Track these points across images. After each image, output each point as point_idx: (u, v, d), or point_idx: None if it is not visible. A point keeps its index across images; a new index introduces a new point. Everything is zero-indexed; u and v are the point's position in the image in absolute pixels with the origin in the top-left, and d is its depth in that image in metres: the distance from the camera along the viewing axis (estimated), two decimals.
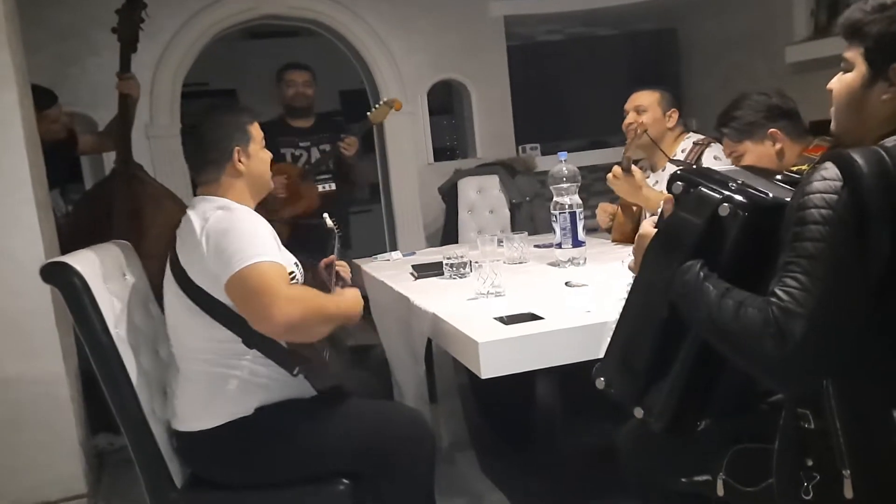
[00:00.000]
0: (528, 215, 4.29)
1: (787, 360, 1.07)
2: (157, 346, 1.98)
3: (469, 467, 2.80)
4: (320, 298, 1.76)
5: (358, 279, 3.18)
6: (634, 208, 2.84)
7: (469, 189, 4.44)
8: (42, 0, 3.81)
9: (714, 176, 1.30)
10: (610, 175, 2.70)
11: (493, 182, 4.42)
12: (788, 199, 1.20)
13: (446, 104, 5.18)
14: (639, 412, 1.34)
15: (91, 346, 1.79)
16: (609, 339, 1.42)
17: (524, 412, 2.26)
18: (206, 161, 1.87)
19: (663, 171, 2.81)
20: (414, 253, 3.21)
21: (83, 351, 1.88)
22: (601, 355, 1.48)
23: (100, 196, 3.17)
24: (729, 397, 1.38)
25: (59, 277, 1.78)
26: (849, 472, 1.12)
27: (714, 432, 1.40)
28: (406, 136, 4.62)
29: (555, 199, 2.44)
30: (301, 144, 3.64)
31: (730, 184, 1.26)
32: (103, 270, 1.86)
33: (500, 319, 1.84)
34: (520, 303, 1.98)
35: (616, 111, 2.94)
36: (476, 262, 2.26)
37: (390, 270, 2.77)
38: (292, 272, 1.83)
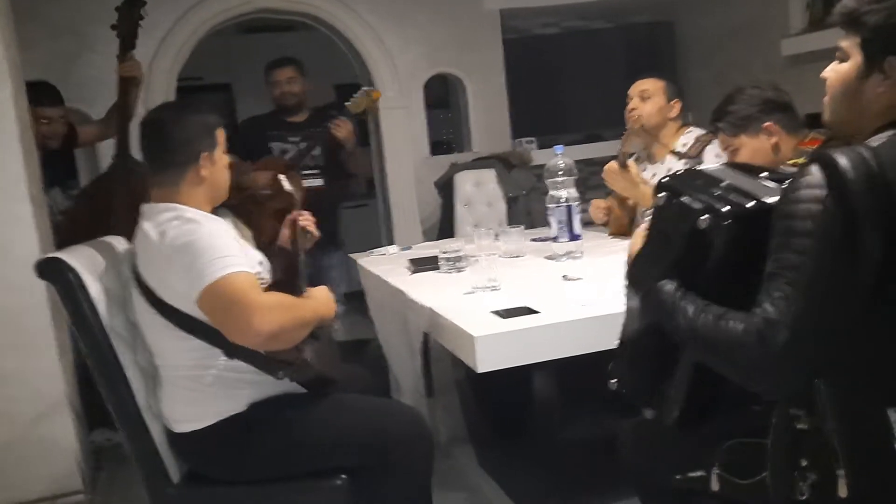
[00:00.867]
0: (525, 209, 4.28)
1: (769, 364, 1.07)
2: None
3: (466, 461, 2.80)
4: (296, 303, 1.72)
5: (354, 274, 3.18)
6: (630, 202, 2.83)
7: (465, 183, 4.43)
8: None
9: (697, 182, 1.29)
10: (606, 169, 2.70)
11: (489, 176, 4.42)
12: (772, 201, 1.20)
13: (442, 98, 5.17)
14: (649, 413, 1.35)
15: (86, 342, 1.79)
16: (618, 341, 1.43)
17: (521, 406, 2.27)
18: (170, 162, 1.79)
19: (661, 162, 2.80)
20: (410, 247, 3.21)
21: (79, 346, 1.88)
22: (598, 349, 1.48)
23: (98, 191, 3.16)
24: (734, 391, 1.38)
25: (54, 273, 1.78)
26: (843, 471, 1.12)
27: (708, 429, 1.39)
28: (402, 131, 4.61)
29: (551, 192, 2.44)
30: (291, 139, 3.58)
31: (714, 190, 1.25)
32: (98, 266, 1.86)
33: (497, 313, 1.84)
34: (516, 297, 1.98)
35: (612, 105, 2.94)
36: (473, 256, 2.26)
37: (387, 265, 2.76)
38: (258, 272, 1.80)
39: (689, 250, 1.24)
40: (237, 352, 1.69)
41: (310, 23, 4.59)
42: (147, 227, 1.74)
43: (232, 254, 1.67)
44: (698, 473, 1.40)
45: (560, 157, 2.42)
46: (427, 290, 2.19)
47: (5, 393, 2.58)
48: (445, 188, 4.47)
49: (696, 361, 1.27)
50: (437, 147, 4.97)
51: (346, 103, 3.47)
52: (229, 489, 1.82)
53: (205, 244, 1.65)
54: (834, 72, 1.25)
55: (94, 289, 1.79)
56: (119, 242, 2.05)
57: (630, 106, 2.81)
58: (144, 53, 3.92)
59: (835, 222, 1.05)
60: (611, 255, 2.41)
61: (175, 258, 1.66)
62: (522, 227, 2.76)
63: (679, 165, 2.72)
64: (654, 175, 2.76)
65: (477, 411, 3.16)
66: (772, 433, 1.24)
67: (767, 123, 2.13)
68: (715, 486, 1.37)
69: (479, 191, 4.42)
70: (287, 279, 1.90)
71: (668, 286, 1.24)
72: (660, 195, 1.32)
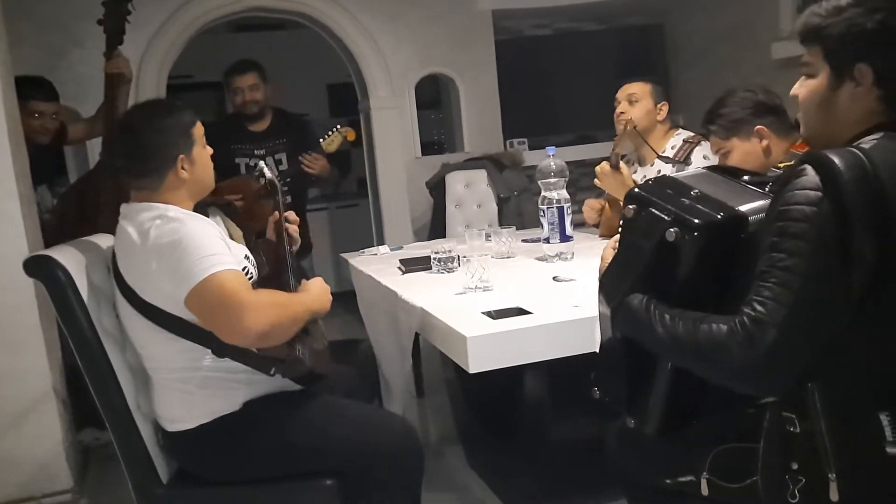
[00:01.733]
0: (516, 210, 4.29)
1: (756, 364, 1.07)
2: None
3: (456, 461, 2.80)
4: (286, 300, 1.70)
5: (345, 274, 3.17)
6: (622, 203, 2.84)
7: (457, 183, 4.43)
8: None
9: (667, 191, 1.29)
10: (598, 170, 2.70)
11: (480, 176, 4.42)
12: (746, 209, 1.20)
13: (434, 98, 5.17)
14: (630, 422, 1.35)
15: (76, 341, 1.77)
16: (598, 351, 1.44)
17: (511, 406, 2.27)
18: (146, 169, 1.74)
19: (651, 165, 2.81)
20: (401, 247, 3.21)
21: (67, 345, 1.86)
22: (588, 350, 1.48)
23: (87, 188, 3.13)
24: (716, 396, 1.38)
25: (43, 271, 1.76)
26: (834, 474, 1.12)
27: (696, 433, 1.40)
28: (394, 130, 4.61)
29: (543, 193, 2.44)
30: (256, 152, 3.48)
31: (683, 199, 1.24)
32: (88, 264, 1.84)
33: (488, 314, 1.85)
34: (508, 297, 1.98)
35: (603, 106, 2.95)
36: (464, 257, 2.26)
37: (378, 265, 2.76)
38: (245, 268, 1.79)
39: (658, 262, 1.24)
40: (226, 351, 1.67)
41: (302, 21, 4.58)
42: (127, 227, 1.71)
43: (218, 252, 1.64)
44: (688, 478, 1.40)
45: (552, 159, 2.42)
46: (418, 291, 2.19)
47: None
48: (437, 188, 4.47)
49: (674, 370, 1.27)
50: (429, 147, 4.98)
51: (321, 140, 3.38)
52: (218, 490, 1.80)
53: (190, 243, 1.63)
54: (803, 87, 1.25)
55: (84, 287, 1.77)
56: (108, 240, 2.04)
57: (618, 110, 2.82)
58: (134, 51, 3.90)
59: (829, 223, 1.05)
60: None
61: (159, 259, 1.64)
62: (514, 227, 2.77)
63: (668, 168, 2.73)
64: (644, 177, 2.77)
65: (467, 411, 3.16)
66: (763, 436, 1.24)
67: (759, 126, 2.14)
68: (705, 490, 1.37)
69: (471, 191, 4.43)
70: (276, 273, 1.89)
71: (636, 299, 1.25)
72: (628, 206, 1.32)
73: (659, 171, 2.76)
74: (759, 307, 1.07)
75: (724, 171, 1.44)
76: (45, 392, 2.62)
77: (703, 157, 2.62)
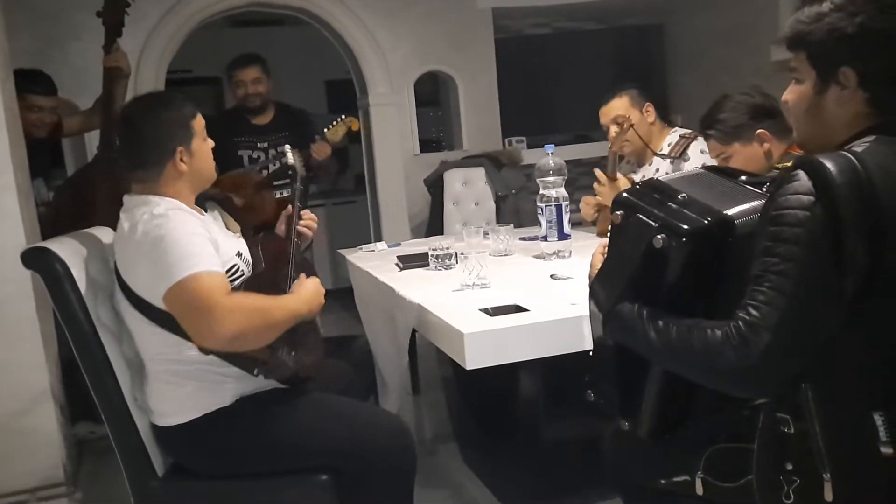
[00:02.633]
0: (514, 208, 4.29)
1: (750, 368, 1.08)
2: None
3: (451, 459, 2.81)
4: (266, 305, 1.67)
5: (342, 270, 3.17)
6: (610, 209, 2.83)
7: (455, 181, 4.43)
8: None
9: (654, 196, 1.28)
10: (596, 187, 2.70)
11: (478, 174, 4.42)
12: (733, 213, 1.20)
13: (433, 96, 5.17)
14: (624, 425, 1.36)
15: (72, 333, 1.77)
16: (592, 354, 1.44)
17: (507, 404, 2.27)
18: (145, 161, 1.75)
19: (650, 164, 2.82)
20: (399, 244, 3.21)
21: (63, 338, 1.86)
22: (585, 348, 1.49)
23: (83, 182, 3.12)
24: (709, 398, 1.39)
25: (41, 263, 1.76)
26: (829, 475, 1.12)
27: (691, 433, 1.40)
28: (392, 127, 4.60)
29: (541, 191, 2.44)
30: (259, 145, 3.49)
31: (671, 204, 1.24)
32: (85, 256, 1.84)
33: (486, 311, 1.85)
34: (505, 295, 1.98)
35: (601, 106, 2.94)
36: (462, 254, 2.26)
37: (375, 261, 2.76)
38: (234, 265, 1.79)
39: (647, 268, 1.24)
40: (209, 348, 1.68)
41: (301, 17, 4.57)
42: (124, 220, 1.73)
43: (200, 252, 1.64)
44: (683, 478, 1.41)
45: (550, 157, 2.42)
46: (415, 287, 2.19)
47: None
48: (435, 186, 4.47)
49: (665, 373, 1.27)
50: (427, 145, 4.97)
51: (325, 130, 3.38)
52: (213, 483, 1.80)
53: (173, 241, 1.63)
54: (792, 93, 1.27)
55: (81, 279, 1.77)
56: (105, 233, 2.04)
57: (610, 135, 2.78)
58: (133, 45, 3.90)
59: (822, 228, 1.06)
60: None
61: (144, 254, 1.65)
62: (511, 225, 2.77)
63: (666, 165, 2.74)
64: (643, 177, 2.78)
65: (463, 409, 3.17)
66: (758, 437, 1.24)
67: (760, 131, 2.13)
68: (700, 490, 1.38)
69: (469, 189, 4.43)
70: (271, 271, 1.89)
71: (627, 307, 1.25)
72: (616, 212, 1.32)
73: (658, 170, 2.76)
74: (753, 311, 1.08)
75: (721, 171, 1.45)
76: (40, 385, 2.62)
77: (699, 151, 2.62)
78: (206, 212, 1.91)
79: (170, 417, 1.77)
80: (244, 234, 2.01)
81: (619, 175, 2.65)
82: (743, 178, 1.38)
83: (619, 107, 2.79)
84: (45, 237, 2.61)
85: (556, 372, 1.88)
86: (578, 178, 4.81)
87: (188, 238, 1.65)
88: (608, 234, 1.39)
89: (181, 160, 1.76)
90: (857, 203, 1.05)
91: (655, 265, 1.23)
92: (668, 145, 2.77)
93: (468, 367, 1.69)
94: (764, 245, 1.10)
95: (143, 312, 1.71)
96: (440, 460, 2.80)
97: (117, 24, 2.98)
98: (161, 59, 4.16)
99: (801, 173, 1.09)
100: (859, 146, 1.12)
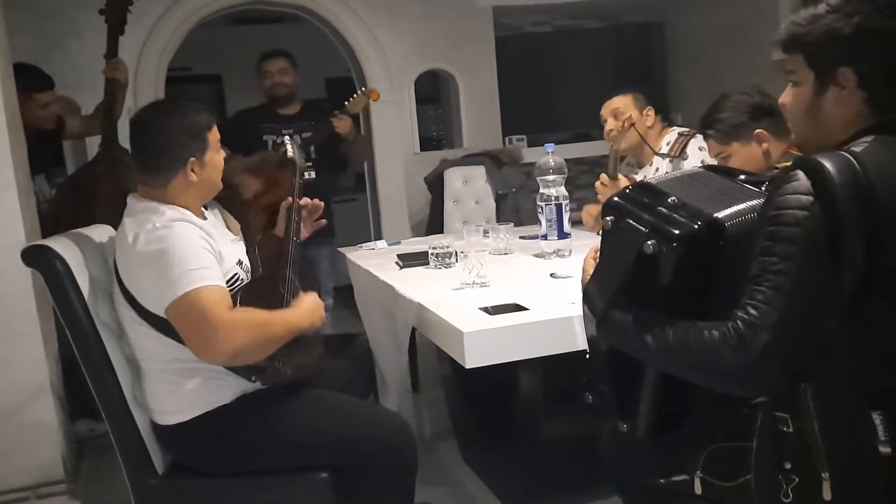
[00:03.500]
0: (514, 206, 4.29)
1: (749, 367, 1.08)
2: None
3: (450, 456, 2.81)
4: (266, 320, 1.67)
5: (342, 268, 3.17)
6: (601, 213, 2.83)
7: (455, 179, 4.43)
8: None
9: (644, 200, 1.28)
10: (598, 186, 2.70)
11: (479, 173, 4.42)
12: (724, 215, 1.20)
13: (433, 94, 5.17)
14: (622, 426, 1.36)
15: (72, 331, 1.77)
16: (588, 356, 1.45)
17: (506, 403, 2.27)
18: (156, 167, 1.74)
19: (650, 164, 2.82)
20: (399, 242, 3.21)
21: (64, 335, 1.86)
22: (584, 347, 1.49)
23: (83, 180, 3.13)
24: (707, 397, 1.39)
25: (41, 260, 1.76)
26: (827, 474, 1.12)
27: (689, 432, 1.41)
28: (392, 126, 4.60)
29: (541, 190, 2.44)
30: (284, 132, 3.56)
31: (661, 208, 1.23)
32: (85, 254, 1.84)
33: (485, 310, 1.85)
34: (505, 293, 1.98)
35: (602, 105, 2.94)
36: (461, 253, 2.26)
37: (375, 259, 2.76)
38: (235, 274, 1.79)
39: (639, 272, 1.24)
40: None
41: (301, 15, 4.57)
42: (127, 225, 1.72)
43: (203, 265, 1.64)
44: (681, 477, 1.41)
45: (551, 156, 2.42)
46: (415, 286, 2.19)
47: None
48: (435, 184, 4.47)
49: (660, 374, 1.27)
50: (427, 143, 4.97)
51: (346, 103, 3.49)
52: (213, 481, 1.81)
53: (176, 254, 1.62)
54: (790, 95, 1.27)
55: (81, 277, 1.78)
56: (105, 231, 2.04)
57: (607, 127, 2.79)
58: (133, 42, 3.90)
59: (820, 227, 1.06)
60: None
61: (146, 265, 1.65)
62: (511, 224, 2.77)
63: (665, 164, 2.74)
64: (644, 178, 2.78)
65: (462, 407, 3.16)
66: (756, 436, 1.25)
67: (759, 131, 2.13)
68: (698, 489, 1.38)
69: (469, 187, 4.43)
70: (273, 272, 1.89)
71: (621, 312, 1.25)
72: (606, 218, 1.32)
73: (658, 169, 2.76)
74: (751, 311, 1.08)
75: (719, 170, 1.45)
76: (40, 383, 2.62)
77: (698, 148, 2.62)
78: (206, 209, 1.91)
79: (170, 416, 1.77)
80: (244, 232, 2.01)
81: (619, 175, 2.65)
82: (742, 177, 1.38)
83: (619, 102, 2.80)
84: (45, 235, 2.61)
85: (555, 370, 1.88)
86: (579, 177, 4.81)
87: (191, 251, 1.65)
88: (599, 241, 1.39)
89: (192, 170, 1.75)
90: (856, 203, 1.05)
91: (647, 270, 1.22)
92: (667, 144, 2.77)
93: (468, 366, 1.70)
94: (762, 245, 1.10)
95: (144, 317, 1.71)
96: (439, 458, 2.80)
97: (120, 21, 2.99)
98: (161, 56, 4.16)
99: (800, 173, 1.09)
100: (858, 146, 1.12)
